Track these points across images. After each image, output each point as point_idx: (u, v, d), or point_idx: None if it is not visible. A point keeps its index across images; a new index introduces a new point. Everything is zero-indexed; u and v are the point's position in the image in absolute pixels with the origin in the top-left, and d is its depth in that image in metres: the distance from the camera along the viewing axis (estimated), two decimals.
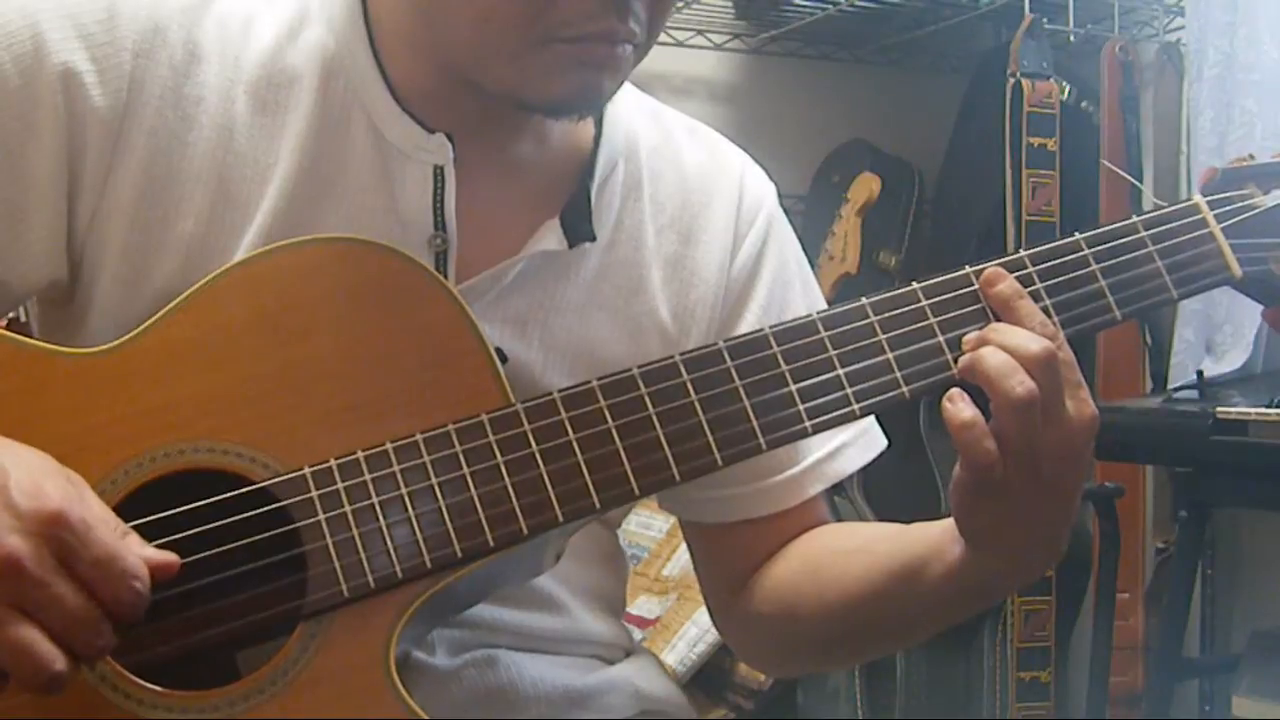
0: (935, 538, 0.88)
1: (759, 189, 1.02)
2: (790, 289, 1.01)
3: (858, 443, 1.00)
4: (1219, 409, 1.82)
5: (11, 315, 1.19)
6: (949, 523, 0.86)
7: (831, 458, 0.99)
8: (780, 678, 1.11)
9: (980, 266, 0.85)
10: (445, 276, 0.87)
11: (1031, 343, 0.79)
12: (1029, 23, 2.36)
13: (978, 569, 0.85)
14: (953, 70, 2.69)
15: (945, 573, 0.87)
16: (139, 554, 0.71)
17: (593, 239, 0.92)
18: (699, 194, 0.98)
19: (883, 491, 2.38)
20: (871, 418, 1.01)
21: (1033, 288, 0.84)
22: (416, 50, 0.87)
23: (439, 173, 0.88)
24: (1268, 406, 1.79)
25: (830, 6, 2.46)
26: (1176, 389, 2.08)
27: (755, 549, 1.00)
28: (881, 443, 1.02)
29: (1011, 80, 2.34)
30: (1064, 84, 2.38)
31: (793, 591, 0.97)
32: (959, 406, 0.79)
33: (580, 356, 0.92)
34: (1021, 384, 0.78)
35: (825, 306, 0.86)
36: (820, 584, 0.95)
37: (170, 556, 0.73)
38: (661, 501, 1.03)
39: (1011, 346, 0.79)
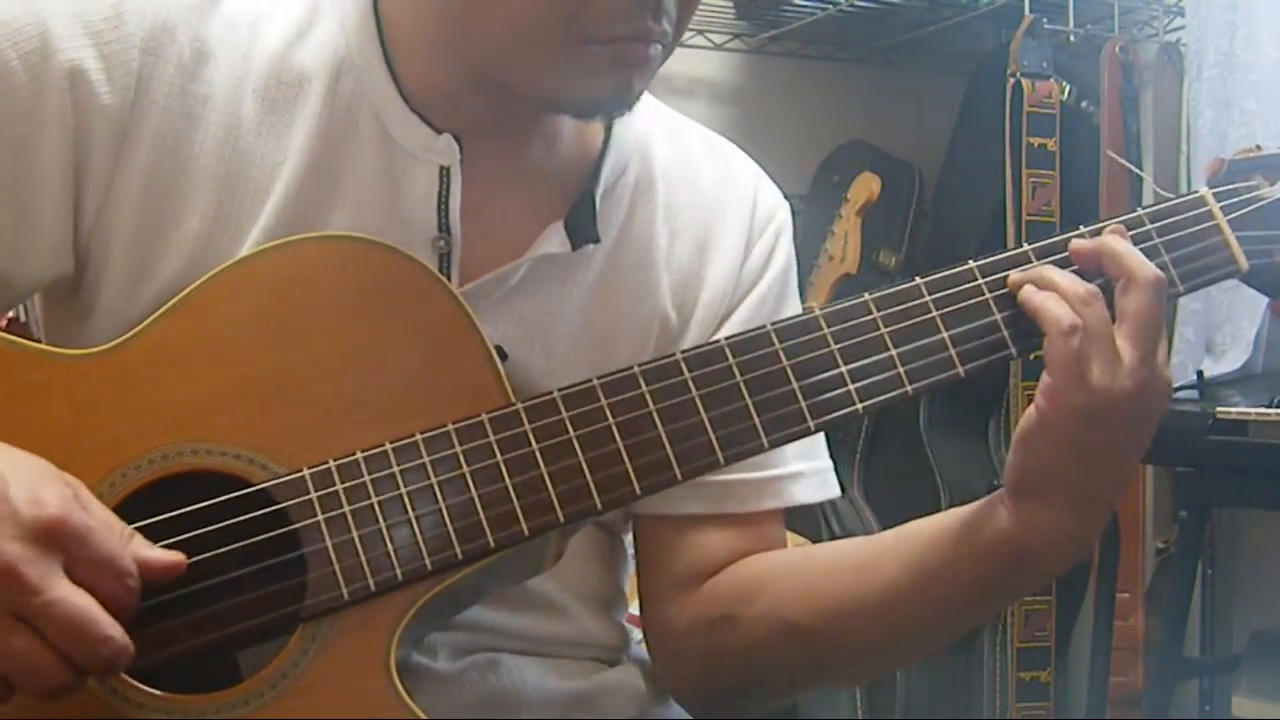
0: (961, 512, 0.87)
1: (771, 202, 1.02)
2: (782, 300, 1.01)
3: (813, 478, 0.99)
4: (1219, 409, 1.82)
5: (11, 315, 1.18)
6: (981, 500, 0.85)
7: (789, 480, 0.97)
8: (719, 712, 0.98)
9: (983, 261, 0.85)
10: (449, 278, 0.87)
11: (1152, 269, 0.81)
12: (1029, 23, 2.36)
13: (1018, 528, 0.82)
14: (953, 70, 2.68)
15: (974, 540, 0.84)
16: (144, 555, 0.71)
17: (596, 241, 0.92)
18: (715, 202, 0.99)
19: (883, 492, 2.38)
20: (829, 464, 1.01)
21: None
22: (433, 51, 0.87)
23: (445, 174, 0.88)
24: (1268, 406, 1.79)
25: (830, 6, 2.46)
26: (1176, 389, 2.07)
27: (706, 550, 0.97)
28: (835, 491, 1.01)
29: (1011, 80, 2.34)
30: (1064, 84, 2.38)
31: (765, 583, 0.93)
32: (1033, 290, 0.82)
33: (584, 359, 0.91)
34: (1084, 283, 0.81)
35: None
36: (805, 571, 0.93)
37: (176, 556, 0.73)
38: None
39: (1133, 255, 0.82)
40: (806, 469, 0.99)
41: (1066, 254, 0.85)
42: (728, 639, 0.94)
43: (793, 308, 1.02)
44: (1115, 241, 0.83)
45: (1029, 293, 0.83)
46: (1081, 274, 0.84)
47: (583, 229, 0.91)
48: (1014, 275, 0.84)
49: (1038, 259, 0.85)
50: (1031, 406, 0.82)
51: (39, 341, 0.83)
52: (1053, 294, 0.82)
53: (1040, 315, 0.81)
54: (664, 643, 0.99)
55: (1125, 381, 0.79)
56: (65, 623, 0.67)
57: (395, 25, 0.88)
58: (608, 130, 0.94)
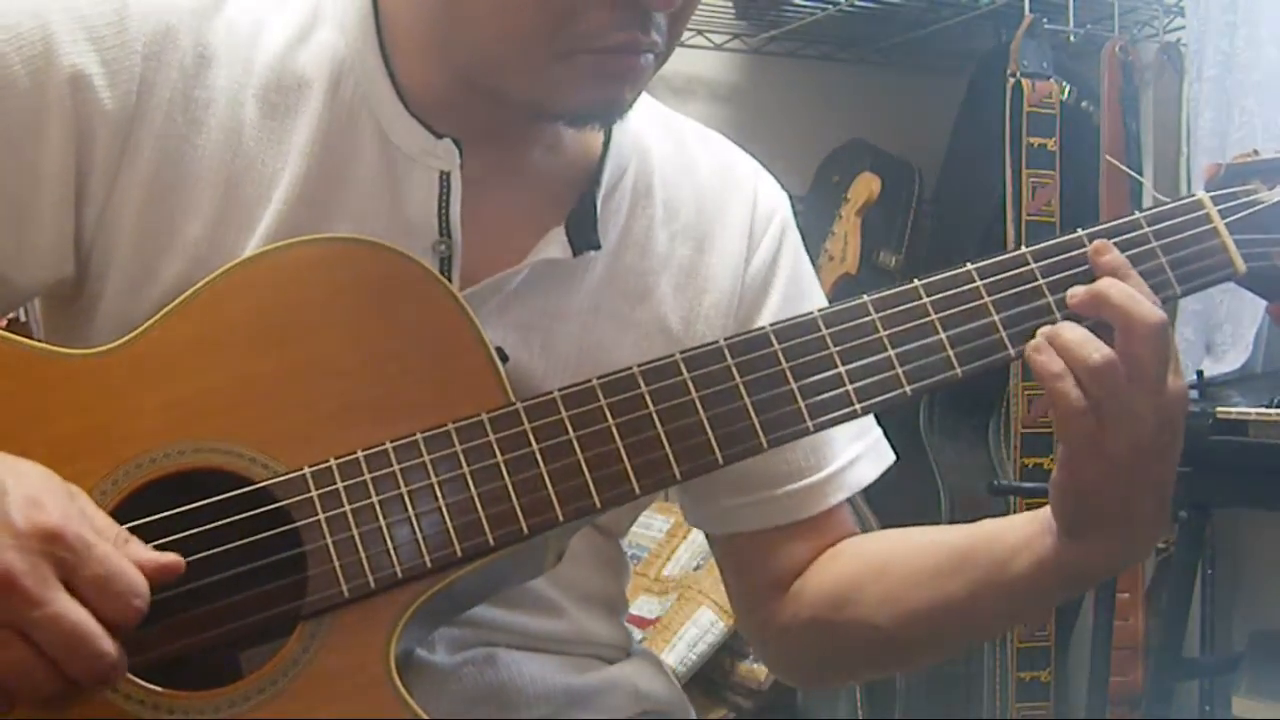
0: (1023, 528, 0.89)
1: (773, 197, 1.02)
2: (803, 300, 1.01)
3: (869, 455, 1.02)
4: (1219, 409, 1.82)
5: (11, 316, 1.19)
6: (1039, 513, 0.87)
7: (851, 467, 1.00)
8: (822, 688, 1.10)
9: (981, 263, 0.85)
10: (449, 282, 0.87)
11: (1152, 312, 0.80)
12: (1029, 23, 2.36)
13: (1074, 557, 0.85)
14: (953, 70, 2.68)
15: (1037, 563, 0.87)
16: (140, 557, 0.71)
17: (597, 247, 0.92)
18: (713, 201, 0.99)
19: (883, 491, 2.38)
20: (879, 432, 1.03)
21: (1035, 284, 0.84)
22: (429, 57, 0.87)
23: (445, 178, 0.88)
24: (1268, 406, 1.79)
25: (830, 6, 2.46)
26: None
27: (790, 557, 1.00)
28: (890, 457, 1.04)
29: (1011, 80, 2.34)
30: (1064, 84, 2.38)
31: (852, 590, 0.97)
32: (1048, 358, 0.81)
33: (584, 364, 0.92)
34: (1098, 350, 0.79)
35: None
36: (888, 580, 0.96)
37: (174, 558, 0.73)
38: (690, 519, 1.04)
39: (1132, 301, 0.81)
40: (862, 449, 1.01)
41: (1065, 255, 0.85)
42: (821, 639, 0.99)
43: (812, 303, 1.02)
44: (1111, 289, 0.82)
45: (1041, 365, 0.81)
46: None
47: (584, 234, 0.91)
48: (1033, 341, 0.82)
49: (1034, 261, 0.85)
50: (1056, 469, 0.83)
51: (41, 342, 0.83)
52: (1065, 370, 0.80)
53: (1052, 396, 0.81)
54: (763, 641, 1.04)
55: (1141, 433, 0.80)
56: (61, 636, 0.67)
57: (393, 30, 0.88)
58: (606, 133, 0.94)
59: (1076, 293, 0.83)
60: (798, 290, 1.01)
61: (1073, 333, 0.81)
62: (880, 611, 0.95)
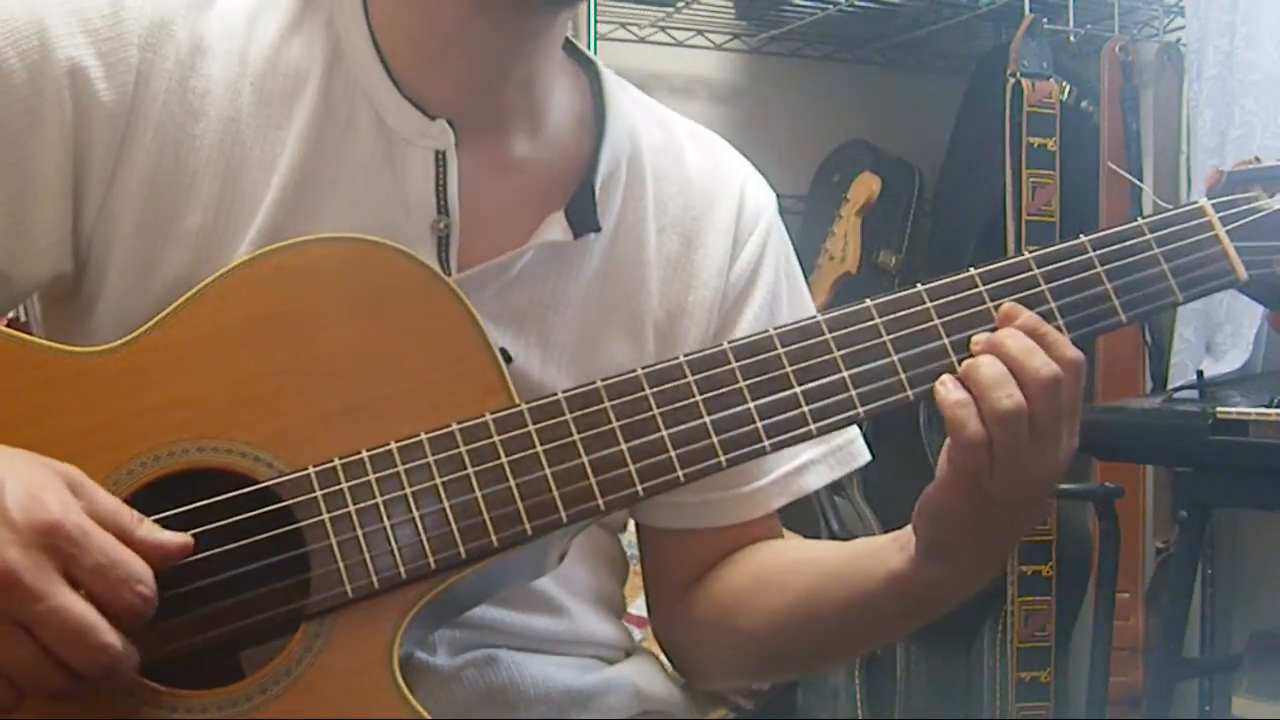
0: (878, 546, 0.90)
1: (759, 197, 1.02)
2: (787, 300, 1.01)
3: (827, 460, 1.00)
4: (1219, 409, 1.82)
5: (11, 316, 1.18)
6: (897, 533, 0.88)
7: (799, 473, 0.99)
8: (711, 689, 1.08)
9: (985, 268, 0.85)
10: (448, 262, 0.88)
11: (1041, 364, 0.79)
12: (1029, 23, 2.36)
13: (922, 578, 0.86)
14: (953, 70, 2.69)
15: (887, 580, 0.88)
16: (157, 539, 0.71)
17: (598, 229, 0.92)
18: (701, 197, 0.99)
19: (883, 491, 2.38)
20: (851, 434, 1.01)
21: (1038, 290, 0.84)
22: (413, 30, 0.88)
23: (440, 157, 0.89)
24: (1268, 406, 1.79)
25: (830, 6, 2.46)
26: (1176, 389, 2.08)
27: (705, 556, 1.00)
28: (860, 459, 1.02)
29: (1011, 80, 2.34)
30: (1064, 84, 2.39)
31: (735, 601, 0.98)
32: (949, 389, 0.80)
33: (580, 354, 0.92)
34: (1010, 397, 0.78)
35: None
36: (763, 595, 0.96)
37: (184, 537, 0.73)
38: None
39: (1013, 357, 0.80)
40: (818, 454, 1.00)
41: (1067, 262, 0.85)
42: (707, 641, 1.00)
43: (799, 305, 1.02)
44: (1008, 339, 0.81)
45: (943, 394, 0.80)
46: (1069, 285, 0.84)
47: (583, 218, 0.92)
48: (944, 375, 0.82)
49: (1038, 267, 0.85)
50: (931, 488, 0.83)
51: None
52: (970, 400, 0.79)
53: (948, 423, 0.80)
54: (671, 635, 1.04)
55: (1025, 483, 0.80)
56: (63, 630, 0.67)
57: (382, 12, 0.89)
58: (600, 124, 0.95)
59: (978, 340, 0.82)
60: (783, 291, 1.01)
61: (987, 368, 0.80)
62: (758, 625, 0.96)
